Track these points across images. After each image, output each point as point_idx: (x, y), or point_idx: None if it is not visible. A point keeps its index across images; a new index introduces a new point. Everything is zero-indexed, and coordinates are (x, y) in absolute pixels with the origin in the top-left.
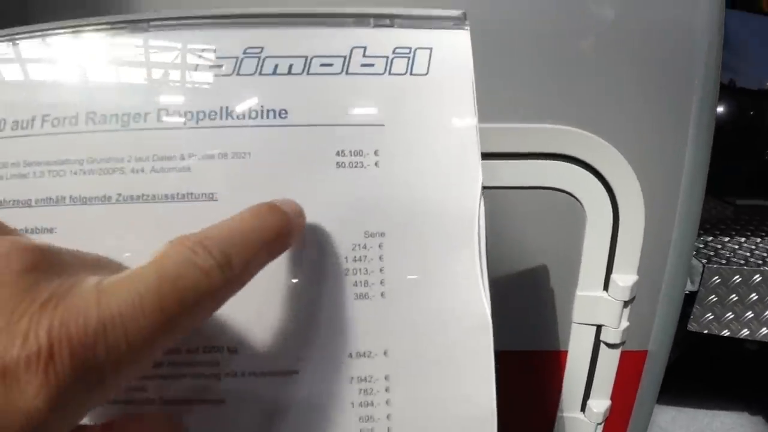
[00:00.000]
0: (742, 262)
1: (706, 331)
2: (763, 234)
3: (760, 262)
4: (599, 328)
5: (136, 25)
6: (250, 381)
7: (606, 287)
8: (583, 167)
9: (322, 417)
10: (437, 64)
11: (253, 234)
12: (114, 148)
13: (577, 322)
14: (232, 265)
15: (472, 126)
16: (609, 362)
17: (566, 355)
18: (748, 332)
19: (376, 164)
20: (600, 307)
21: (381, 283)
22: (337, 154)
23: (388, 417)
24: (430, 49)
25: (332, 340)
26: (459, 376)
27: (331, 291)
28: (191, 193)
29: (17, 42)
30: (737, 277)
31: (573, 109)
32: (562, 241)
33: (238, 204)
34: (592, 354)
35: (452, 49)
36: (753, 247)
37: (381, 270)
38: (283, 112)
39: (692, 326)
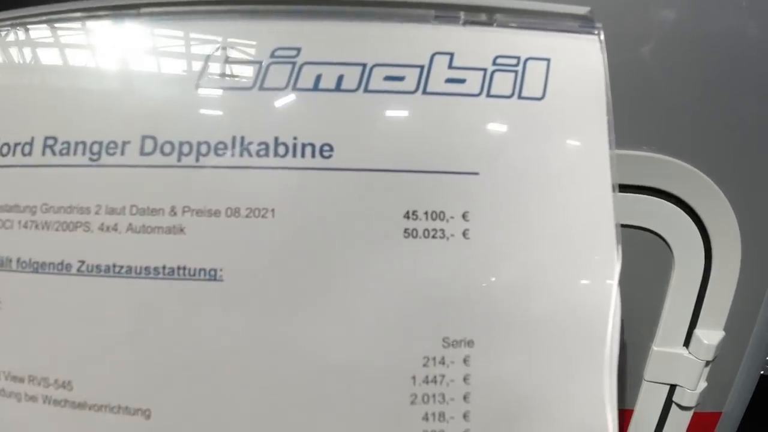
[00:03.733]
0: None
1: None
2: None
3: None
4: (673, 387)
5: (119, 11)
6: None
7: (687, 343)
8: (674, 203)
9: None
10: (558, 84)
11: None
12: (78, 192)
13: (650, 380)
14: None
15: (607, 183)
16: (678, 425)
17: (631, 414)
18: None
19: (464, 234)
20: (678, 366)
21: (465, 417)
22: (407, 216)
23: None
24: (548, 60)
25: None
26: None
27: (389, 428)
28: (184, 267)
29: None
30: None
31: (662, 132)
32: (642, 289)
33: (252, 287)
34: (661, 413)
35: (579, 64)
36: None
37: (465, 398)
38: (327, 148)
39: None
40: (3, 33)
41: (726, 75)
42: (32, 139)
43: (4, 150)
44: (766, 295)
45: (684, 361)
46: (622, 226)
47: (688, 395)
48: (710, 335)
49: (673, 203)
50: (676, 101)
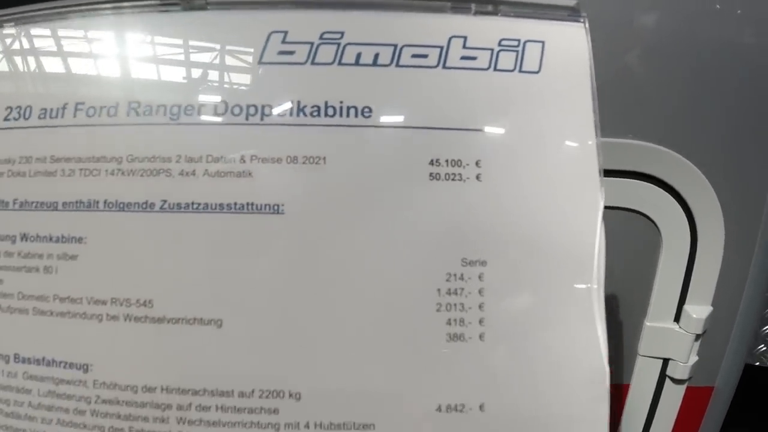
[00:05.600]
0: None
1: (758, 363)
2: None
3: None
4: (666, 361)
5: (190, 2)
6: None
7: (677, 319)
8: (661, 187)
9: None
10: (551, 62)
11: None
12: (160, 145)
13: (644, 354)
14: None
15: (592, 139)
16: (672, 398)
17: (627, 389)
18: None
19: (477, 177)
20: (670, 340)
21: (480, 322)
22: (431, 163)
23: None
24: (542, 42)
25: (418, 389)
26: None
27: (419, 330)
28: (252, 204)
29: (48, 19)
30: None
31: (652, 122)
32: (633, 268)
33: (308, 220)
34: (656, 387)
35: (568, 46)
36: None
37: (480, 306)
38: (367, 109)
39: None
40: (86, 16)
41: (710, 70)
42: (117, 103)
43: (90, 112)
44: (751, 273)
45: (675, 335)
46: (613, 208)
47: (681, 368)
48: (699, 310)
49: (659, 187)
50: (664, 95)
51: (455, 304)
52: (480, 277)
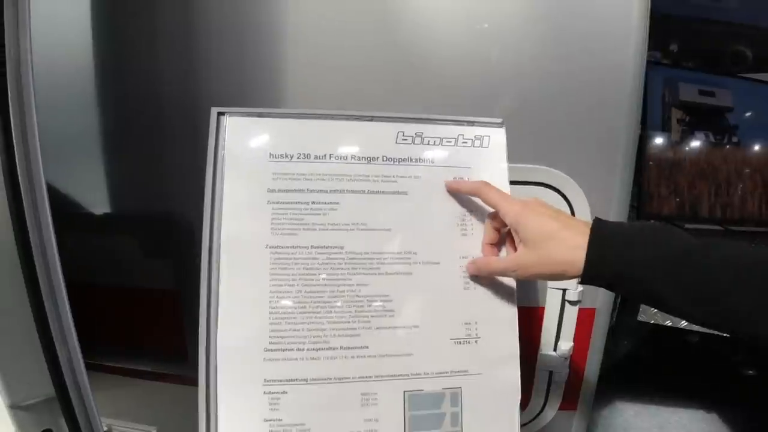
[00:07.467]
0: None
1: (652, 321)
2: None
3: None
4: (564, 290)
5: (364, 118)
6: (422, 266)
7: None
8: (554, 191)
9: (442, 284)
10: (492, 143)
11: None
12: (364, 171)
13: (551, 287)
14: None
15: (506, 171)
16: (571, 315)
17: (543, 310)
18: (686, 323)
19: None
20: None
21: (471, 229)
22: (454, 178)
23: (475, 288)
24: (489, 136)
25: (450, 249)
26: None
27: (452, 233)
28: (397, 191)
29: (311, 119)
30: None
31: (551, 157)
32: None
33: (418, 198)
34: (560, 309)
35: (498, 137)
36: None
37: (472, 226)
38: (431, 161)
39: (641, 317)
40: (331, 119)
41: (584, 124)
42: (348, 155)
43: (337, 158)
44: None
45: None
46: None
47: (573, 294)
48: None
49: (554, 191)
50: (561, 140)
51: (465, 225)
52: (470, 217)
